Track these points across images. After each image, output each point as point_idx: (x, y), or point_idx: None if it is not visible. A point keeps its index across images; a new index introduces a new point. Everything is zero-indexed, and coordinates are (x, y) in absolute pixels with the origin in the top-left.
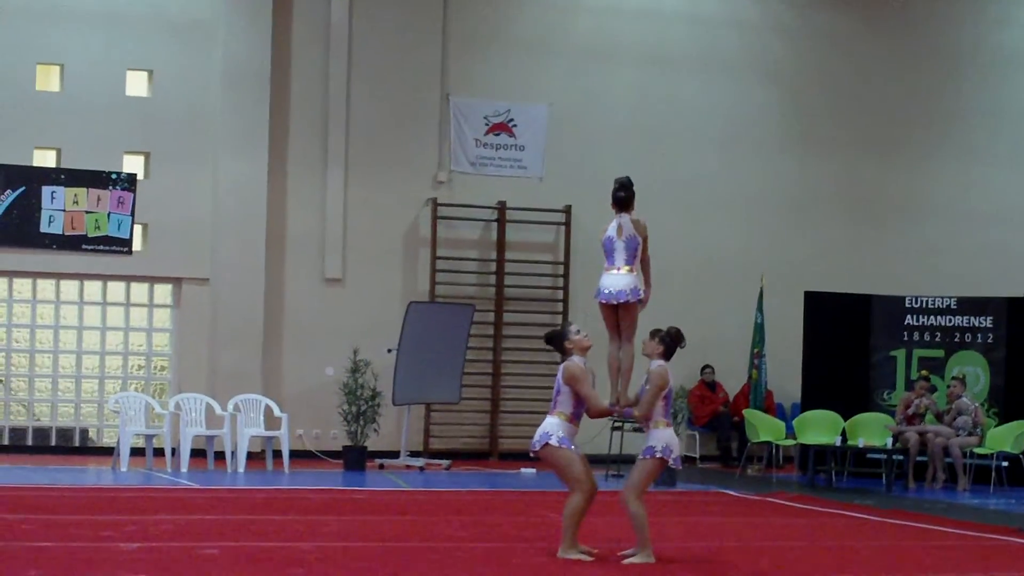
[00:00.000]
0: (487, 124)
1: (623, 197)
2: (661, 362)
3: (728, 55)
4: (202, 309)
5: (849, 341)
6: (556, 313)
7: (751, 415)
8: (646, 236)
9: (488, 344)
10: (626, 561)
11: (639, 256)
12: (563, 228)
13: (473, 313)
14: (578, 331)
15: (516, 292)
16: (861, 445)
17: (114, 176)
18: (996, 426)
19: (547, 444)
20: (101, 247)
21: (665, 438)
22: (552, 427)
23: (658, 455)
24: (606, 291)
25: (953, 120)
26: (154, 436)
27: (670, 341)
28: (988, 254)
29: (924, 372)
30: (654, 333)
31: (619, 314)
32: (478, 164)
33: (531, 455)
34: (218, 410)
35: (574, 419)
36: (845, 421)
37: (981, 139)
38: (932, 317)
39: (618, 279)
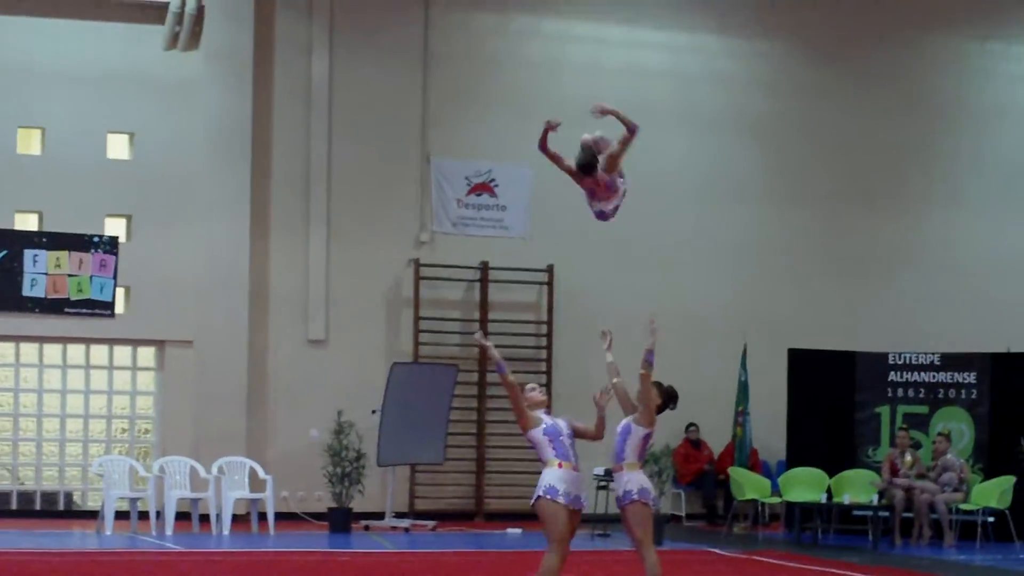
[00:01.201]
0: (468, 184)
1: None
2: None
3: (711, 111)
4: (186, 371)
5: (834, 398)
6: (540, 372)
7: (736, 473)
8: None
9: (472, 404)
10: None
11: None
12: (546, 287)
13: (457, 373)
14: (532, 388)
15: (500, 352)
16: (847, 502)
17: (96, 239)
18: (981, 482)
19: (537, 497)
20: (84, 310)
21: (639, 480)
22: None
23: (635, 497)
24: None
25: (937, 172)
26: (139, 499)
27: (666, 398)
28: (972, 307)
29: (903, 425)
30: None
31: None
32: (460, 224)
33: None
34: (202, 473)
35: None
36: (831, 478)
37: (965, 191)
38: (916, 373)
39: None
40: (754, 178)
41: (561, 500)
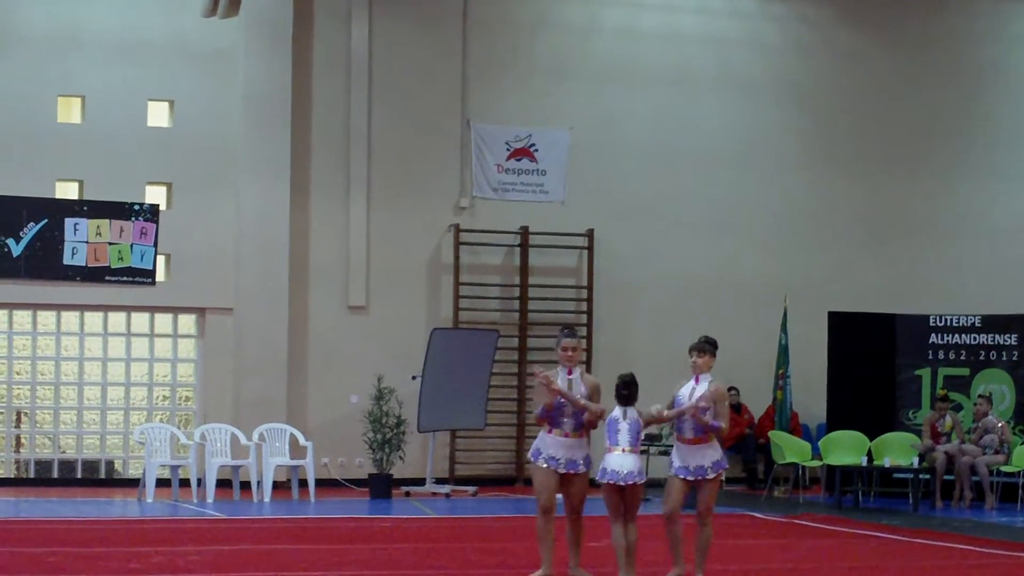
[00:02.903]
0: (508, 150)
1: (626, 395)
2: (711, 377)
3: (748, 75)
4: (226, 338)
5: (874, 361)
6: (580, 337)
7: (777, 436)
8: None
9: (513, 369)
10: None
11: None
12: (586, 252)
13: (497, 338)
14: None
15: (540, 317)
16: (888, 465)
17: (136, 207)
18: (1023, 444)
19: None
20: (124, 278)
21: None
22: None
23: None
24: (611, 471)
25: (975, 137)
26: (180, 467)
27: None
28: (1012, 271)
29: (942, 391)
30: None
31: (625, 496)
32: (500, 190)
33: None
34: (243, 440)
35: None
36: (871, 441)
37: (1003, 156)
38: (957, 335)
39: (623, 459)
40: (793, 143)
41: (542, 463)
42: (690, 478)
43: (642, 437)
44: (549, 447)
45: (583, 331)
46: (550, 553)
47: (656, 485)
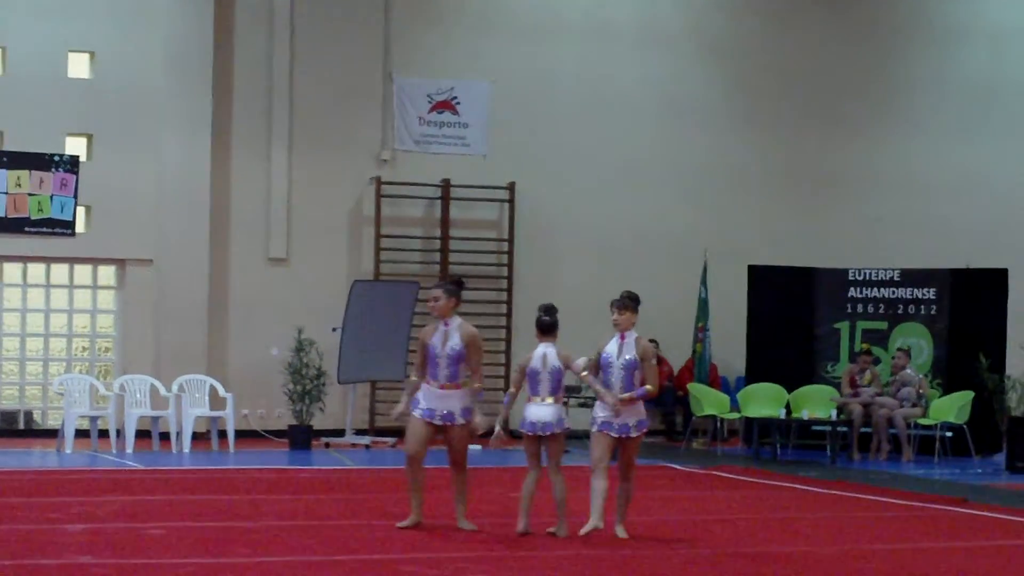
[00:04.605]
0: (430, 102)
1: (548, 322)
2: (636, 334)
3: (671, 30)
4: (146, 290)
5: (793, 314)
6: (501, 290)
7: (696, 389)
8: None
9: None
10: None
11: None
12: (507, 205)
13: (418, 290)
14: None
15: (461, 270)
16: (806, 417)
17: (56, 158)
18: (940, 397)
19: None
20: (44, 229)
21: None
22: None
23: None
24: (530, 422)
25: (896, 93)
26: (99, 418)
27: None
28: (931, 226)
29: (865, 346)
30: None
31: (546, 445)
32: (422, 142)
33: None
34: (163, 391)
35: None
36: (789, 394)
37: (924, 111)
38: (875, 289)
39: (543, 410)
40: (714, 98)
41: (417, 414)
42: (614, 435)
43: (563, 385)
44: (426, 398)
45: (504, 284)
46: (418, 502)
47: (577, 437)
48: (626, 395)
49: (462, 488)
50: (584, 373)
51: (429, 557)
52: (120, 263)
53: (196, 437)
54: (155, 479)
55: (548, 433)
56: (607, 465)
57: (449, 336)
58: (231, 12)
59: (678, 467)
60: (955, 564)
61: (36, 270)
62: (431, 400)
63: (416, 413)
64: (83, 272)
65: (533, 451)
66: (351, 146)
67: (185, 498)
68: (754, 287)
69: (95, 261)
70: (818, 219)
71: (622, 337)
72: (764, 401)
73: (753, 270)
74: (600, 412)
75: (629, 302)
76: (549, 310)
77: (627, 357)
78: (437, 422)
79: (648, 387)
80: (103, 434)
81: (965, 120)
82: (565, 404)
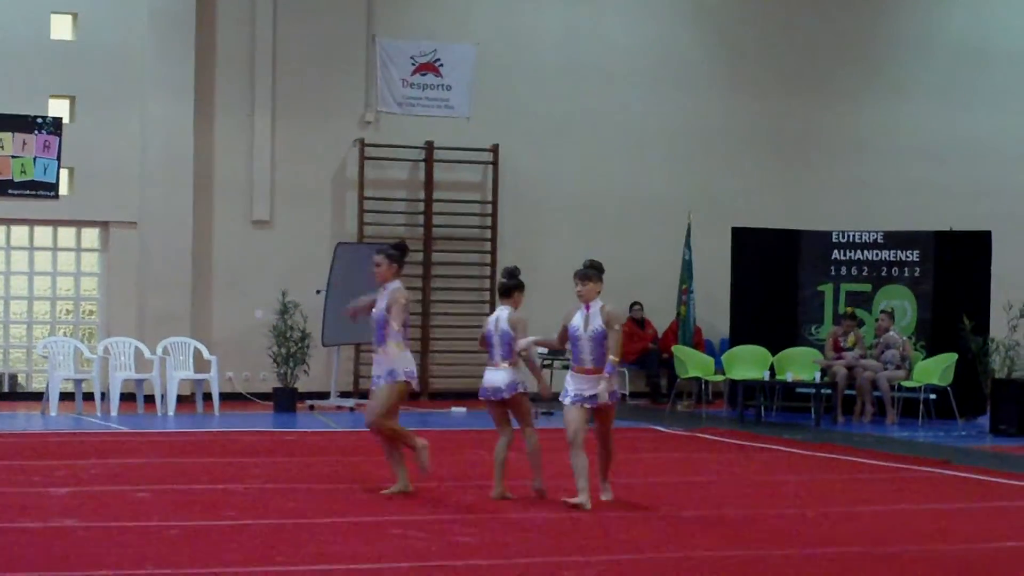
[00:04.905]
0: (413, 64)
1: (505, 284)
2: (601, 303)
3: None
4: (130, 253)
5: (777, 276)
6: (485, 252)
7: (680, 351)
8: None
9: (417, 284)
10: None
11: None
12: (491, 167)
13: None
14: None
15: (444, 232)
16: (790, 379)
17: (39, 120)
18: (923, 359)
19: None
20: (27, 192)
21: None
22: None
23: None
24: (484, 387)
25: (882, 55)
26: (83, 381)
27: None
28: (915, 189)
29: (849, 309)
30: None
31: (509, 409)
32: (405, 104)
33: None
34: (147, 354)
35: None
36: (773, 356)
37: (908, 75)
38: (859, 251)
39: (496, 375)
40: (700, 60)
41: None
42: (587, 405)
43: (518, 348)
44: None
45: (487, 246)
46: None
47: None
48: (600, 388)
49: (390, 451)
50: (524, 352)
51: (414, 519)
52: (104, 225)
53: (181, 400)
54: (140, 442)
55: (499, 398)
56: (584, 437)
57: (378, 299)
58: None
59: (663, 429)
60: (938, 526)
61: (19, 233)
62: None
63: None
64: (67, 235)
65: (497, 416)
66: (334, 108)
67: (170, 461)
68: (738, 249)
69: (79, 224)
70: (802, 182)
71: (587, 308)
72: (748, 363)
73: (737, 232)
74: (571, 384)
75: (592, 272)
76: (511, 273)
77: (594, 327)
78: (374, 387)
79: (612, 358)
80: (88, 397)
81: (950, 83)
82: (548, 367)
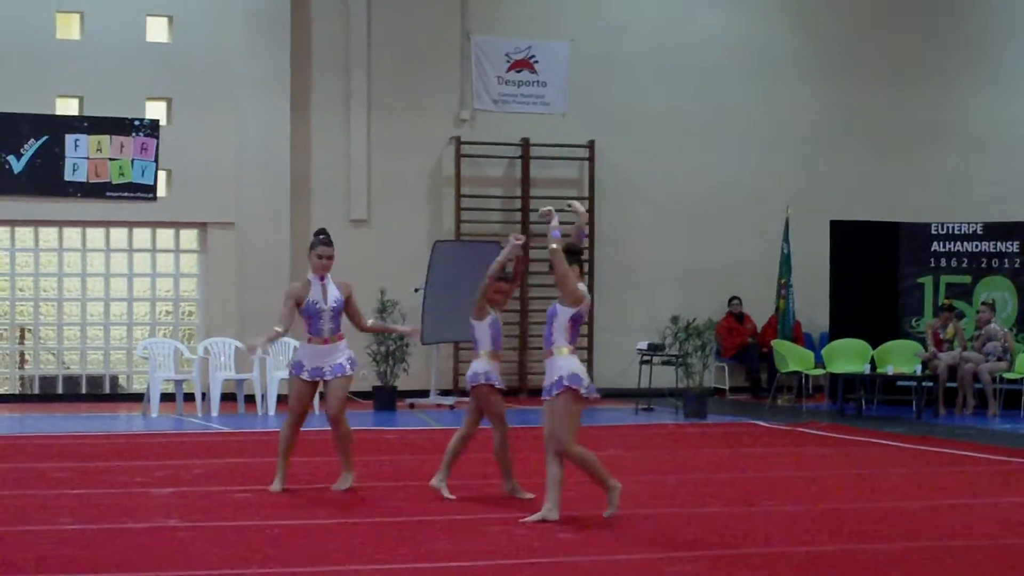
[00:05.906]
0: (508, 61)
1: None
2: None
3: None
4: (228, 253)
5: (876, 269)
6: (583, 248)
7: (780, 345)
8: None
9: None
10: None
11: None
12: (587, 163)
13: (499, 250)
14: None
15: (541, 228)
16: (890, 372)
17: (137, 123)
18: None
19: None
20: (126, 194)
21: (571, 366)
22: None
23: (565, 384)
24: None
25: (978, 46)
26: (184, 381)
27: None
28: (1014, 180)
29: (947, 301)
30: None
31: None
32: (500, 102)
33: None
34: None
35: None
36: (874, 349)
37: (1007, 65)
38: (959, 243)
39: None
40: (796, 52)
41: (305, 377)
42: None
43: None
44: (309, 359)
45: (585, 242)
46: (284, 467)
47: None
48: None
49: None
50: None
51: (514, 516)
52: (202, 227)
53: (280, 399)
54: (241, 442)
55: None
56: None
57: (328, 291)
58: None
59: (764, 424)
60: None
61: (119, 235)
62: (316, 359)
63: (305, 376)
64: (165, 236)
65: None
66: (430, 106)
67: (271, 460)
68: (836, 242)
69: (177, 225)
70: (901, 174)
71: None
72: (848, 357)
73: (835, 225)
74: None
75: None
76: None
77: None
78: (327, 378)
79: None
80: (188, 398)
81: None
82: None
